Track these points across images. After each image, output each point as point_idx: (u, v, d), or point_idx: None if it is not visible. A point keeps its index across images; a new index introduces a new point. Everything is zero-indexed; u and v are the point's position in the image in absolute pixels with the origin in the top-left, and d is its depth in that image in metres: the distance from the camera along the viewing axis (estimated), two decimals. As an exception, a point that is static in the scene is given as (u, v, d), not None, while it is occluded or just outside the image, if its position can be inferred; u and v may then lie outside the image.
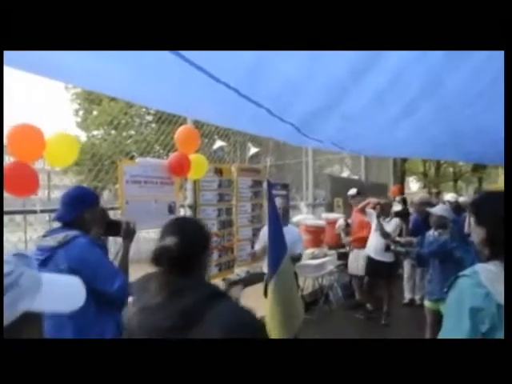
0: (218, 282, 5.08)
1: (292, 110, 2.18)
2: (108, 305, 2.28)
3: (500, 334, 1.36)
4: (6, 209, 3.14)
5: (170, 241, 1.41)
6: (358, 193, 6.76)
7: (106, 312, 2.28)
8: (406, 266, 7.00)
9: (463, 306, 1.45)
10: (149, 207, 4.08)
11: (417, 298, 6.89)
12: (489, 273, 1.47)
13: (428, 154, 4.53)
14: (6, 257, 0.76)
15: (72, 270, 2.19)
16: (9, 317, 0.71)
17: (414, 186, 30.04)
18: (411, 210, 6.80)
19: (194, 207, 4.76)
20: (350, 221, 6.85)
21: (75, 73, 1.74)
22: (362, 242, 6.32)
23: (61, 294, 0.80)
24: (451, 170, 25.76)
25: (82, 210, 2.43)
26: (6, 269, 0.71)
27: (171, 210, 4.40)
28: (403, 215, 6.30)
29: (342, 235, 6.87)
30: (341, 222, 6.96)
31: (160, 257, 1.40)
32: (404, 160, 12.86)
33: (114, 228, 2.64)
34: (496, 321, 1.39)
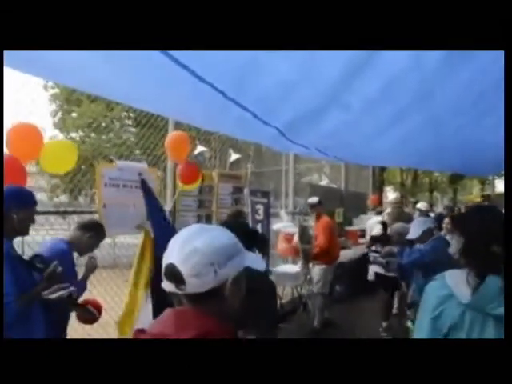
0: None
1: (278, 113, 2.13)
2: None
3: (462, 334, 1.45)
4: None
5: None
6: (319, 202, 6.32)
7: None
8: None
9: (427, 306, 1.56)
10: (127, 212, 3.96)
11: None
12: (454, 275, 1.55)
13: (412, 163, 4.52)
14: None
15: None
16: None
17: (391, 195, 30.38)
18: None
19: (172, 213, 4.66)
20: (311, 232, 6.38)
21: (57, 69, 1.68)
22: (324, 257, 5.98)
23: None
24: (427, 180, 26.14)
25: (7, 212, 2.29)
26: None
27: (150, 214, 4.28)
28: (382, 241, 6.04)
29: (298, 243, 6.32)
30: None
31: None
32: (382, 169, 12.96)
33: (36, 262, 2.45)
34: (457, 320, 1.47)
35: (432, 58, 1.47)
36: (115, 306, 4.21)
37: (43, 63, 1.55)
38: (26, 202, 2.43)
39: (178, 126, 4.68)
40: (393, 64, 1.49)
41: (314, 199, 6.38)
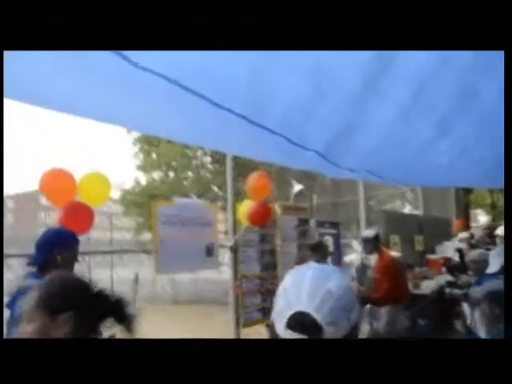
0: (261, 328, 4.79)
1: (311, 136, 1.96)
2: None
3: None
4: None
5: None
6: (377, 236, 5.14)
7: None
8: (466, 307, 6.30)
9: None
10: (184, 248, 3.94)
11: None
12: None
13: (481, 182, 4.04)
14: None
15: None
16: None
17: (482, 219, 28.29)
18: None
19: (234, 248, 4.56)
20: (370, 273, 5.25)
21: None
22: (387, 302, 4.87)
23: None
24: (524, 201, 24.03)
25: (51, 252, 2.37)
26: None
27: (209, 251, 4.23)
28: (459, 269, 5.37)
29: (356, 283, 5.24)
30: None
31: None
32: (468, 190, 12.06)
33: None
34: None
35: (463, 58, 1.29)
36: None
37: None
38: (67, 242, 2.52)
39: (235, 158, 4.63)
40: (416, 64, 1.31)
41: (370, 233, 5.31)
